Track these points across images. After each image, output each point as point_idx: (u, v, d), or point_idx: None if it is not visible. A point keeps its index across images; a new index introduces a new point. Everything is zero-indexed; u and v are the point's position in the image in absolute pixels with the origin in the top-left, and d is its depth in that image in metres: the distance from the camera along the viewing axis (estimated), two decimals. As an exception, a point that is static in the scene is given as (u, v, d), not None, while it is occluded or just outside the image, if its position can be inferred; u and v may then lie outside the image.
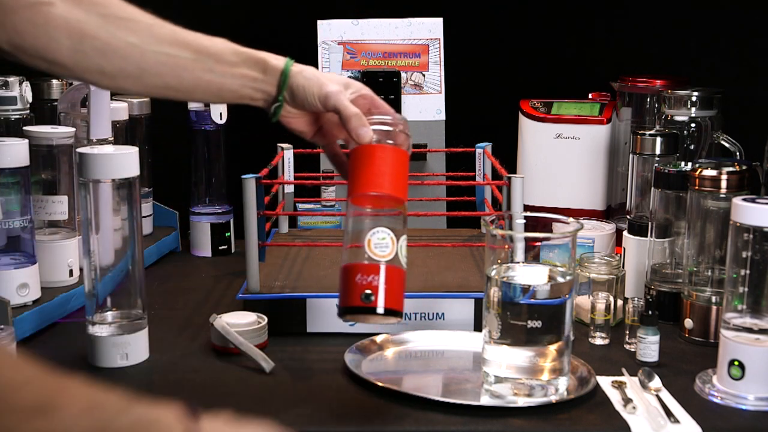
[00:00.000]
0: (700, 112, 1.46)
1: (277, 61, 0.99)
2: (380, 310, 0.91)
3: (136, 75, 0.95)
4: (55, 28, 0.90)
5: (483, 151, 1.54)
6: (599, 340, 1.20)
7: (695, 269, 1.21)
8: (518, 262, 1.01)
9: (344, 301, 0.93)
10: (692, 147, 1.47)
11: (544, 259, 1.01)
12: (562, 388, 1.01)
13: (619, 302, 1.26)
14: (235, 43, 0.99)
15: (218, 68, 0.97)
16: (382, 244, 0.92)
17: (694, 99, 1.46)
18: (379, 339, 1.16)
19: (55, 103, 1.41)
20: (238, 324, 1.14)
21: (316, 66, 1.69)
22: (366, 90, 1.02)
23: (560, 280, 1.00)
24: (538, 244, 1.01)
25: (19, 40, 0.90)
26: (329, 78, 1.00)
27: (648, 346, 1.12)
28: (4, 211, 1.18)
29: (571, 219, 1.03)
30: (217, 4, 1.88)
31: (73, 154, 1.28)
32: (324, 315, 1.20)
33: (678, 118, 1.47)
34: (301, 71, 0.99)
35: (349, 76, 1.70)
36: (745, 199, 1.01)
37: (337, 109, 0.97)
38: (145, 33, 0.94)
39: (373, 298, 0.91)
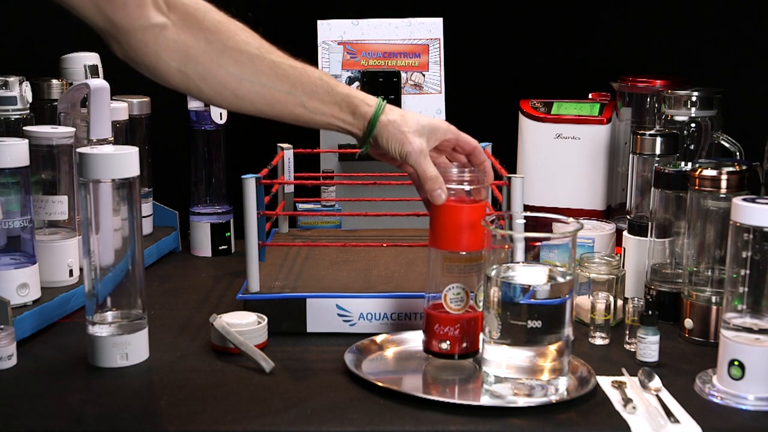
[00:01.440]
0: (700, 112, 1.46)
1: (368, 107, 1.06)
2: (456, 357, 1.07)
3: (231, 99, 1.03)
4: (164, 49, 0.98)
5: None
6: (599, 340, 1.20)
7: (695, 269, 1.21)
8: (518, 262, 1.01)
9: (427, 344, 1.09)
10: (692, 147, 1.47)
11: (544, 259, 1.01)
12: (562, 388, 1.01)
13: (619, 302, 1.26)
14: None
15: (310, 104, 1.04)
16: (457, 299, 1.06)
17: (694, 99, 1.46)
18: (379, 339, 1.16)
19: (55, 103, 1.41)
20: (238, 324, 1.14)
21: (317, 65, 1.69)
22: (451, 133, 1.10)
23: (560, 280, 1.00)
24: (538, 244, 1.01)
25: (132, 55, 0.99)
26: (414, 130, 1.06)
27: (648, 346, 1.12)
28: (4, 211, 1.18)
29: (571, 219, 1.03)
30: (217, 4, 1.88)
31: (73, 154, 1.28)
32: (324, 315, 1.20)
33: (678, 118, 1.47)
34: (387, 124, 1.05)
35: (349, 76, 1.70)
36: (745, 199, 1.01)
37: (415, 170, 1.06)
38: (247, 64, 1.02)
39: (449, 346, 1.06)
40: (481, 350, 1.04)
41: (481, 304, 1.06)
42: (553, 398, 0.99)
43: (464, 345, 1.07)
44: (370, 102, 1.06)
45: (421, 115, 1.09)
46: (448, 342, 1.06)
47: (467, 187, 1.07)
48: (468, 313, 1.06)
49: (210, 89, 1.02)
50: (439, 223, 1.06)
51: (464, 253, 1.05)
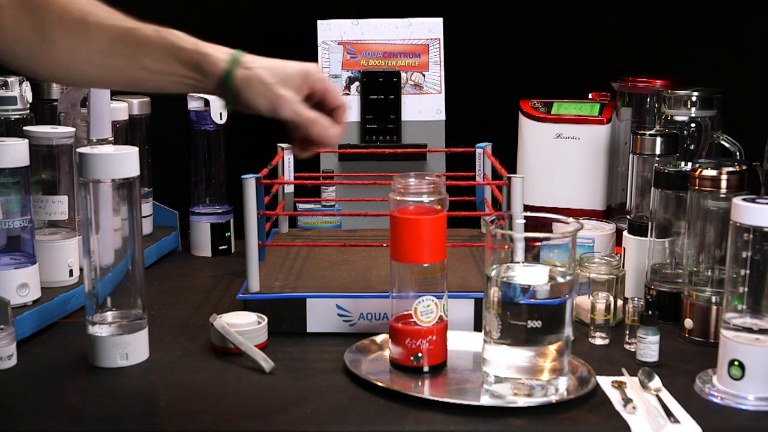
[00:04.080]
0: (700, 112, 1.46)
1: (216, 61, 0.93)
2: (426, 368, 1.06)
3: (67, 76, 0.98)
4: None
5: (483, 151, 1.54)
6: (599, 340, 1.20)
7: (695, 269, 1.21)
8: (518, 262, 1.01)
9: (397, 358, 1.07)
10: (692, 147, 1.47)
11: (544, 259, 1.01)
12: (562, 388, 1.01)
13: (619, 302, 1.26)
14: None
15: (153, 66, 0.94)
16: (427, 311, 1.05)
17: (694, 99, 1.46)
18: (379, 339, 1.16)
19: (55, 103, 1.41)
20: (238, 324, 1.14)
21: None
22: (320, 81, 0.97)
23: (560, 280, 1.00)
24: (538, 244, 1.01)
25: None
26: (279, 80, 0.94)
27: (648, 346, 1.12)
28: (4, 211, 1.18)
29: (571, 219, 1.03)
30: (217, 4, 1.88)
31: (73, 154, 1.28)
32: (324, 315, 1.20)
33: (678, 118, 1.47)
34: (246, 80, 0.93)
35: (349, 76, 1.70)
36: (745, 199, 1.01)
37: (292, 121, 0.95)
38: (80, 35, 0.93)
39: (421, 359, 1.06)
40: (481, 350, 1.04)
41: (449, 313, 1.08)
42: (553, 398, 0.99)
43: (435, 357, 1.06)
44: (221, 56, 0.94)
45: (287, 62, 0.96)
46: (420, 354, 1.05)
47: (426, 199, 1.05)
48: (438, 324, 1.06)
49: (42, 69, 0.95)
50: (403, 236, 1.05)
51: (427, 265, 1.05)
